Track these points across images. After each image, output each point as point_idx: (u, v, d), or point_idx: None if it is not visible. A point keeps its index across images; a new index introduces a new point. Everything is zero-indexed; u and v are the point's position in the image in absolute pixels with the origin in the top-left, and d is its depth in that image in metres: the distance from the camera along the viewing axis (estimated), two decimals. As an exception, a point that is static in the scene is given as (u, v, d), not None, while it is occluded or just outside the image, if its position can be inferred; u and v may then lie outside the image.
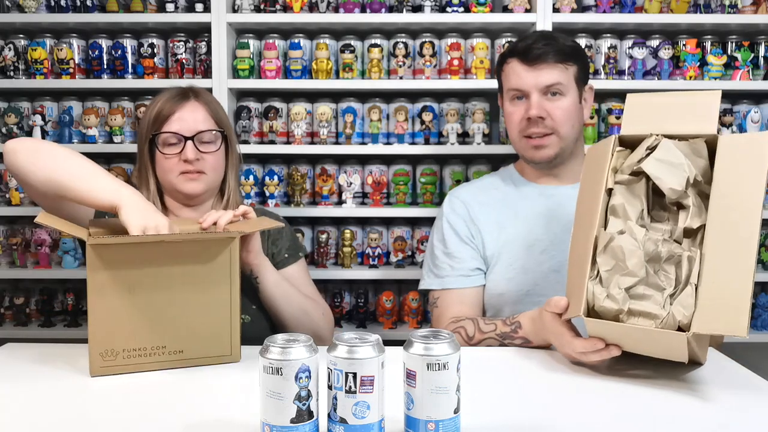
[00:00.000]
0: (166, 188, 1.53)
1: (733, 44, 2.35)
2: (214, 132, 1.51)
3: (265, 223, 1.39)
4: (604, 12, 2.28)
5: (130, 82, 2.34)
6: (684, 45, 2.32)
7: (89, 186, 1.25)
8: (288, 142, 2.38)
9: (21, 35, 2.39)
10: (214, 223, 1.32)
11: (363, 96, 2.40)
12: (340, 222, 2.43)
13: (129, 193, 1.24)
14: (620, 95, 2.38)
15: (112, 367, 1.13)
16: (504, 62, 1.61)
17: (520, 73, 1.55)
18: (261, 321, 1.50)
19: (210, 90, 2.27)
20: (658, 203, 1.14)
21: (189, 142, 1.47)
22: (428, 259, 1.67)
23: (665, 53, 2.29)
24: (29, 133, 2.35)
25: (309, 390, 0.81)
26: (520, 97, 1.57)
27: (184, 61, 2.34)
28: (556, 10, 2.26)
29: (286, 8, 2.32)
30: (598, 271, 1.08)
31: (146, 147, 1.51)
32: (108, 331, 1.12)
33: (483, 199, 1.65)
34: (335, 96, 2.42)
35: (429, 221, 2.40)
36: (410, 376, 0.82)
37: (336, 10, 2.35)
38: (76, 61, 2.34)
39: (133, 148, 2.30)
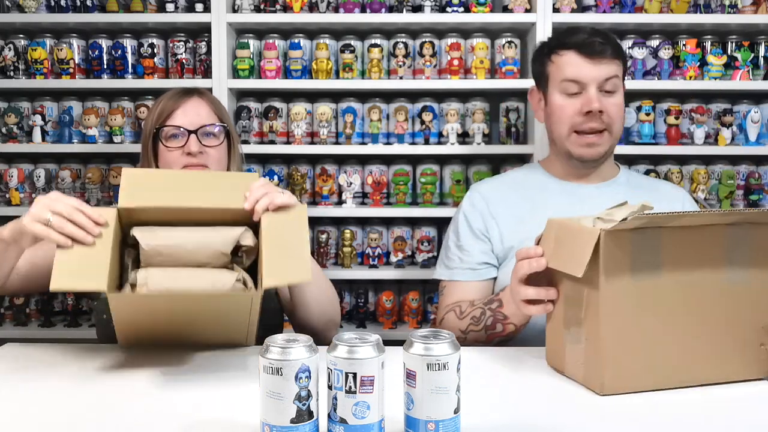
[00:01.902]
0: None
1: (733, 44, 2.35)
2: (217, 127, 1.52)
3: (290, 276, 1.20)
4: (604, 12, 2.28)
5: (130, 82, 2.34)
6: (684, 45, 2.31)
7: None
8: (288, 142, 2.38)
9: (21, 35, 2.39)
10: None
11: (363, 96, 2.40)
12: (340, 222, 2.43)
13: (12, 222, 1.22)
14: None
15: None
16: (552, 53, 1.56)
17: (580, 64, 1.51)
18: (261, 320, 1.50)
19: (210, 90, 2.27)
20: None
21: (192, 136, 1.48)
22: (443, 248, 1.66)
23: (665, 53, 2.29)
24: (29, 133, 2.35)
25: (309, 390, 0.81)
26: (574, 92, 1.52)
27: (184, 61, 2.34)
28: (556, 10, 2.26)
29: (286, 8, 2.32)
30: None
31: (150, 142, 1.52)
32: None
33: (504, 193, 1.63)
34: (335, 96, 2.42)
35: (429, 221, 2.40)
36: (410, 376, 0.82)
37: (336, 10, 2.35)
38: (76, 61, 2.34)
39: (133, 148, 2.31)
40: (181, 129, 1.49)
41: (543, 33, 2.24)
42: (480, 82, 2.31)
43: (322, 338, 1.45)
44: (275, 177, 2.34)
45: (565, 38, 1.56)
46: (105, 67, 2.35)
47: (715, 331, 1.06)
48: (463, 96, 2.42)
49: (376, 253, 2.34)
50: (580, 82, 1.51)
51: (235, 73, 2.32)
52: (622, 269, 1.02)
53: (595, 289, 1.03)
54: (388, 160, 2.42)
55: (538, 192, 1.61)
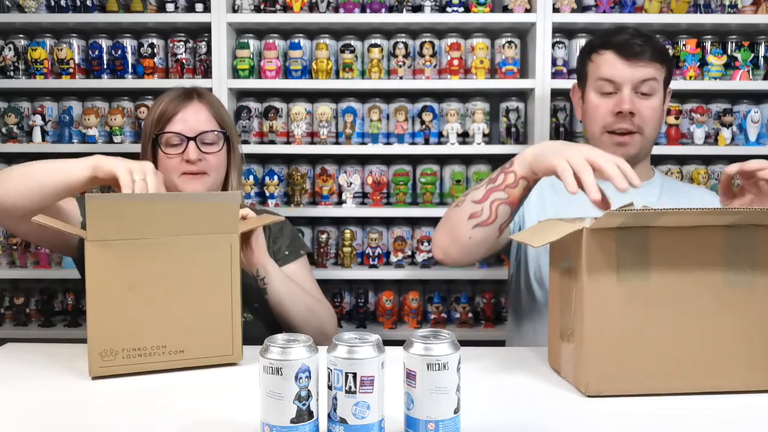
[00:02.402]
0: (167, 188, 1.53)
1: (733, 44, 2.35)
2: (216, 133, 1.52)
3: (264, 219, 1.39)
4: (604, 12, 2.28)
5: (130, 82, 2.34)
6: (684, 45, 2.32)
7: (63, 170, 1.26)
8: (288, 142, 2.38)
9: (21, 35, 2.39)
10: None
11: (363, 96, 2.40)
12: (340, 222, 2.43)
13: (99, 155, 1.25)
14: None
15: (111, 367, 1.11)
16: (593, 52, 1.56)
17: (616, 65, 1.51)
18: (262, 319, 1.50)
19: (210, 90, 2.27)
20: None
21: (191, 143, 1.48)
22: None
23: (665, 53, 2.29)
24: (29, 133, 2.35)
25: (309, 390, 0.81)
26: (609, 91, 1.53)
27: (184, 61, 2.34)
28: (556, 10, 2.26)
29: (286, 8, 2.32)
30: None
31: (149, 147, 1.52)
32: (108, 330, 1.11)
33: (541, 185, 1.49)
34: (335, 96, 2.42)
35: (429, 221, 2.40)
36: (410, 376, 0.82)
37: (336, 10, 2.35)
38: (76, 61, 2.34)
39: (133, 148, 2.31)
40: (180, 136, 1.48)
41: (543, 33, 2.24)
42: (480, 82, 2.31)
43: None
44: (275, 177, 2.34)
45: (606, 38, 1.55)
46: (105, 67, 2.35)
47: (714, 337, 1.03)
48: (463, 96, 2.42)
49: (376, 253, 2.35)
50: (614, 82, 1.51)
51: (235, 73, 2.32)
52: (606, 268, 1.01)
53: (579, 288, 1.02)
54: (388, 160, 2.42)
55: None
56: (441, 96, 2.42)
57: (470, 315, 2.41)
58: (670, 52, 2.30)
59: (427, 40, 2.34)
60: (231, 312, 1.18)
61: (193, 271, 1.15)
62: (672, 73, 1.62)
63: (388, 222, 2.44)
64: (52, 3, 2.33)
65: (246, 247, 1.38)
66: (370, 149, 2.33)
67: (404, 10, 2.32)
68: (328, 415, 0.82)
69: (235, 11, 2.32)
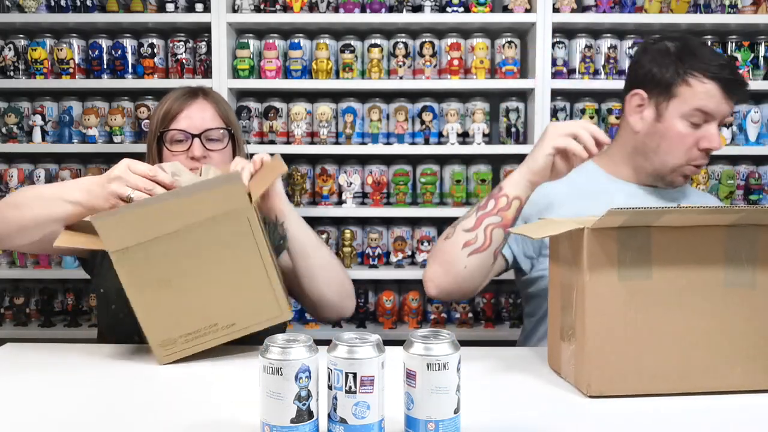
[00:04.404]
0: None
1: (733, 44, 2.35)
2: (221, 130, 1.51)
3: (276, 169, 1.28)
4: (604, 12, 2.28)
5: (130, 82, 2.34)
6: (684, 45, 2.31)
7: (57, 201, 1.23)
8: (288, 142, 2.38)
9: (21, 35, 2.39)
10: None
11: (363, 96, 2.40)
12: (340, 222, 2.43)
13: (81, 189, 1.22)
14: (620, 95, 2.37)
15: (174, 353, 1.16)
16: (692, 76, 1.43)
17: (719, 100, 1.42)
18: None
19: (210, 90, 2.28)
20: None
21: (196, 140, 1.47)
22: None
23: (665, 53, 2.29)
24: (29, 133, 2.35)
25: (309, 390, 0.81)
26: (697, 122, 1.43)
27: (184, 61, 2.34)
28: (556, 10, 2.26)
29: (286, 8, 2.32)
30: None
31: (154, 144, 1.52)
32: (160, 323, 1.15)
33: (569, 187, 1.48)
34: (335, 96, 2.42)
35: (429, 221, 2.41)
36: (410, 376, 0.82)
37: (336, 10, 2.35)
38: (76, 61, 2.34)
39: (133, 148, 2.31)
40: (185, 133, 1.48)
41: (543, 33, 2.24)
42: (480, 82, 2.31)
43: (339, 311, 1.46)
44: (275, 177, 2.34)
45: (710, 64, 1.43)
46: (105, 67, 2.36)
47: (715, 337, 1.03)
48: (463, 96, 2.42)
49: (376, 253, 2.35)
50: (712, 115, 1.43)
51: (235, 73, 2.32)
52: (607, 268, 1.01)
53: (581, 287, 1.02)
54: (388, 160, 2.42)
55: (602, 194, 1.51)
56: (441, 96, 2.42)
57: (470, 315, 2.41)
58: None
59: (427, 40, 2.34)
60: (267, 276, 1.17)
61: (219, 251, 1.15)
62: None
63: (388, 222, 2.44)
64: (52, 3, 2.33)
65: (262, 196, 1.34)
66: (370, 149, 2.33)
67: (404, 10, 2.32)
68: (328, 415, 0.82)
69: (235, 11, 2.32)
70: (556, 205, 1.47)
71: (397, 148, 2.34)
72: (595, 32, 2.36)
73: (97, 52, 2.34)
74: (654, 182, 1.53)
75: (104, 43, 2.36)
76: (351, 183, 2.32)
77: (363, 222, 2.44)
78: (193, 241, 1.14)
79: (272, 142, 2.36)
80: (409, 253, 2.39)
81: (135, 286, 1.14)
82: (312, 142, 2.38)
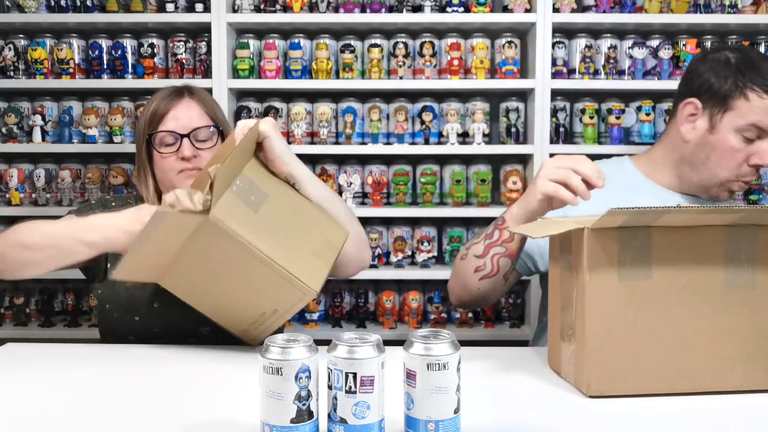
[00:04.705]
0: (165, 187, 1.51)
1: (733, 44, 2.35)
2: (210, 128, 1.49)
3: (247, 148, 1.22)
4: (604, 12, 2.28)
5: (130, 82, 2.34)
6: (684, 45, 2.32)
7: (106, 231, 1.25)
8: (288, 142, 2.37)
9: (21, 35, 2.39)
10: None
11: (363, 96, 2.40)
12: (340, 222, 2.43)
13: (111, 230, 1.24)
14: (620, 95, 2.38)
15: (258, 335, 1.23)
16: (752, 89, 1.38)
17: None
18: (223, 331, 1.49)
19: (210, 90, 2.27)
20: None
21: (185, 140, 1.46)
22: None
23: (665, 53, 2.30)
24: (29, 133, 2.35)
25: (309, 390, 0.81)
26: (750, 137, 1.40)
27: (184, 61, 2.34)
28: (556, 10, 2.26)
29: (286, 8, 2.32)
30: None
31: (144, 147, 1.51)
32: (226, 320, 1.23)
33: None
34: (335, 96, 2.42)
35: (429, 221, 2.41)
36: (410, 376, 0.82)
37: (336, 10, 2.35)
38: (76, 61, 2.34)
39: (133, 148, 2.29)
40: (173, 134, 1.46)
41: (543, 33, 2.24)
42: (480, 82, 2.31)
43: (359, 263, 1.45)
44: (275, 177, 2.34)
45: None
46: (105, 67, 2.36)
47: (715, 337, 1.03)
48: (463, 96, 2.42)
49: (376, 253, 2.34)
50: (764, 131, 1.39)
51: (235, 73, 2.32)
52: (608, 268, 1.01)
53: (581, 287, 1.02)
54: (388, 160, 2.42)
55: (634, 193, 1.49)
56: (441, 96, 2.42)
57: (470, 315, 2.41)
58: (670, 52, 2.31)
59: (427, 40, 2.34)
60: (269, 266, 1.11)
61: (217, 265, 1.15)
62: None
63: (388, 222, 2.44)
64: (52, 3, 2.33)
65: (265, 160, 1.30)
66: (370, 149, 2.33)
67: (404, 10, 2.32)
68: (328, 415, 0.82)
69: (235, 11, 2.32)
70: (583, 202, 1.47)
71: (397, 148, 2.34)
72: (595, 32, 2.36)
73: (97, 52, 2.34)
74: (697, 193, 1.49)
75: (104, 43, 2.36)
76: (351, 183, 2.32)
77: (363, 222, 2.40)
78: (192, 262, 1.15)
79: (272, 142, 2.36)
80: (409, 253, 2.39)
81: (190, 300, 1.20)
82: (312, 142, 2.38)
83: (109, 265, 1.44)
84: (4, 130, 2.36)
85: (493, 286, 1.37)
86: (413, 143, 2.37)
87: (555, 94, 2.30)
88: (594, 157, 1.34)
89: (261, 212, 1.16)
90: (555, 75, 2.29)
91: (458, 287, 1.43)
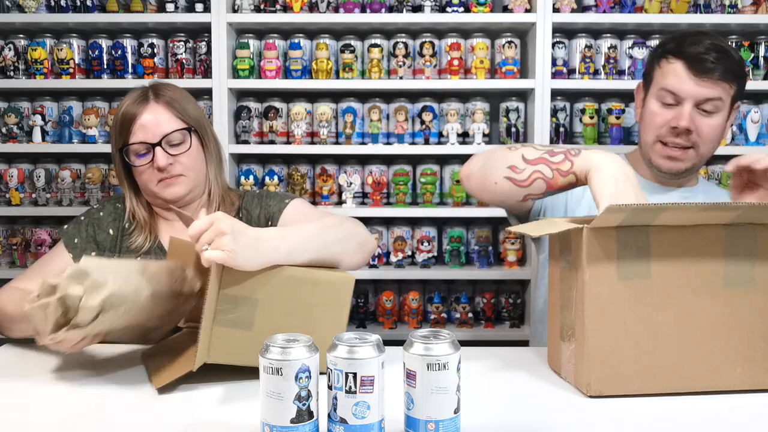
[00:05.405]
0: (149, 196, 1.47)
1: (733, 44, 2.35)
2: (181, 131, 1.42)
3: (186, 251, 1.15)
4: (604, 12, 2.28)
5: (130, 82, 2.33)
6: (684, 45, 2.31)
7: None
8: (288, 142, 2.38)
9: (21, 35, 2.39)
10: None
11: (363, 96, 2.40)
12: (340, 222, 2.43)
13: None
14: (620, 95, 2.38)
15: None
16: (664, 57, 1.47)
17: (682, 78, 1.43)
18: None
19: (210, 90, 2.28)
20: None
21: (158, 149, 1.39)
22: None
23: (665, 53, 2.29)
24: (29, 133, 2.35)
25: (309, 390, 0.81)
26: (670, 103, 1.45)
27: (184, 61, 2.34)
28: (556, 10, 2.26)
29: (286, 8, 2.32)
30: None
31: (119, 160, 1.45)
32: None
33: None
34: (335, 96, 2.42)
35: (429, 221, 2.41)
36: (410, 376, 0.82)
37: (336, 10, 2.35)
38: (76, 61, 2.34)
39: (133, 148, 2.31)
40: (144, 144, 1.40)
41: (543, 33, 2.24)
42: (480, 82, 2.31)
43: (365, 260, 1.35)
44: (275, 177, 2.34)
45: (681, 45, 1.45)
46: (105, 67, 2.36)
47: (715, 336, 1.03)
48: (463, 96, 2.42)
49: (376, 253, 2.34)
50: (677, 95, 1.44)
51: (235, 73, 2.32)
52: (607, 267, 1.01)
53: (580, 287, 1.02)
54: (388, 160, 2.42)
55: None
56: (441, 96, 2.42)
57: (470, 315, 2.41)
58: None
59: (427, 40, 2.34)
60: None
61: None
62: (744, 88, 1.52)
63: (388, 222, 2.44)
64: (52, 3, 2.33)
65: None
66: (370, 149, 2.33)
67: (404, 10, 2.32)
68: (328, 415, 0.82)
69: (235, 11, 2.32)
70: (580, 197, 1.48)
71: (397, 148, 2.34)
72: (595, 32, 2.36)
73: (97, 52, 2.34)
74: (659, 176, 1.53)
75: (104, 43, 2.36)
76: (351, 183, 2.32)
77: (363, 222, 2.43)
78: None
79: (272, 142, 2.36)
80: (409, 253, 2.39)
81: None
82: (312, 142, 2.38)
83: None
84: (4, 130, 2.36)
85: (509, 192, 1.30)
86: (413, 143, 2.37)
87: (555, 94, 2.30)
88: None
89: (256, 325, 1.08)
90: (555, 75, 2.29)
91: (479, 167, 1.36)
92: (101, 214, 1.49)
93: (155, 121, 1.41)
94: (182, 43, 2.35)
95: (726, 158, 2.34)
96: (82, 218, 1.50)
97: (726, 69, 1.42)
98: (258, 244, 1.08)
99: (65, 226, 1.50)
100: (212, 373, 1.15)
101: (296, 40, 2.34)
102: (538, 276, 1.62)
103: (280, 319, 1.08)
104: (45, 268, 1.41)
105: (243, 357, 1.06)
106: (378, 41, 2.36)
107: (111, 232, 1.47)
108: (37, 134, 2.33)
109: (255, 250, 1.07)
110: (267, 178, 2.34)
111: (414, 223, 2.43)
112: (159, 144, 1.40)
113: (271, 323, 1.06)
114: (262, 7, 2.31)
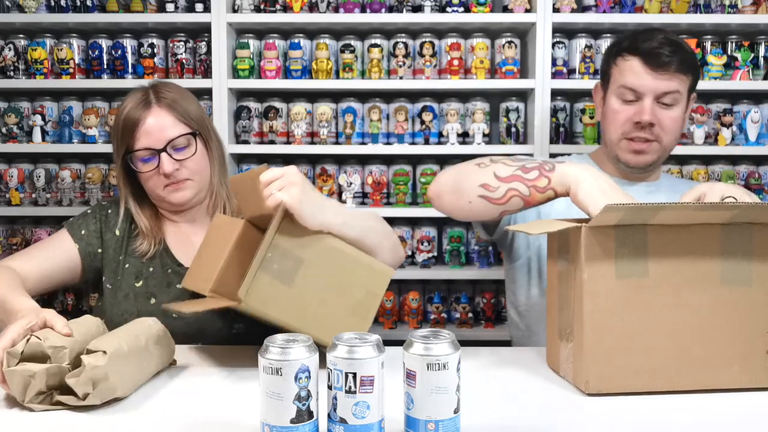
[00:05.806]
0: (155, 200, 1.47)
1: (733, 44, 2.35)
2: (186, 136, 1.41)
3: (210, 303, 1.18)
4: (604, 12, 2.28)
5: (130, 82, 2.33)
6: (684, 45, 2.31)
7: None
8: (288, 142, 2.38)
9: (21, 35, 2.39)
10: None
11: (363, 96, 2.40)
12: (340, 222, 2.43)
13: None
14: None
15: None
16: (619, 56, 1.51)
17: (640, 74, 1.47)
18: (256, 327, 1.49)
19: (210, 90, 2.28)
20: None
21: (163, 155, 1.38)
22: None
23: (665, 53, 2.29)
24: (29, 133, 2.35)
25: (309, 390, 0.81)
26: (630, 99, 1.49)
27: (184, 61, 2.34)
28: (556, 10, 2.26)
29: (286, 8, 2.32)
30: None
31: (120, 165, 1.44)
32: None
33: None
34: (335, 96, 2.42)
35: (429, 221, 2.40)
36: (410, 376, 0.82)
37: (336, 10, 2.35)
38: (76, 61, 2.34)
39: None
40: (149, 150, 1.39)
41: (543, 33, 2.24)
42: (480, 82, 2.31)
43: (396, 263, 1.36)
44: (275, 177, 2.34)
45: (634, 42, 1.49)
46: (105, 67, 2.36)
47: (712, 334, 1.03)
48: (463, 96, 2.42)
49: (376, 253, 2.34)
50: (637, 91, 1.48)
51: (235, 73, 2.32)
52: (605, 266, 1.01)
53: (578, 286, 1.03)
54: (388, 160, 2.42)
55: None
56: (441, 96, 2.42)
57: (470, 315, 2.41)
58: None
59: (427, 40, 2.34)
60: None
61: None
62: (698, 79, 1.56)
63: (388, 222, 2.42)
64: (52, 3, 2.32)
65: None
66: (370, 149, 2.33)
67: (404, 10, 2.32)
68: (328, 415, 0.82)
69: (235, 11, 2.32)
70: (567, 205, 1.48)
71: (397, 148, 2.34)
72: (595, 32, 2.36)
73: (97, 52, 2.34)
74: (625, 171, 1.56)
75: (104, 43, 2.36)
76: (351, 183, 2.32)
77: (363, 222, 2.44)
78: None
79: (272, 142, 2.36)
80: (409, 253, 2.39)
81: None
82: (312, 142, 2.38)
83: (104, 277, 1.43)
84: (4, 130, 2.36)
85: (484, 211, 1.30)
86: (413, 143, 2.37)
87: (555, 94, 2.30)
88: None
89: (296, 283, 1.12)
90: (555, 75, 2.29)
91: (450, 185, 1.37)
92: (109, 212, 1.49)
93: (159, 126, 1.40)
94: (182, 43, 2.35)
95: (727, 158, 2.37)
96: (89, 212, 1.50)
97: (681, 61, 1.47)
98: (323, 203, 1.17)
99: (70, 219, 1.50)
100: (212, 373, 1.15)
101: (296, 40, 2.34)
102: (515, 284, 1.63)
103: (317, 288, 1.14)
104: (43, 254, 1.41)
105: (275, 310, 1.11)
106: (378, 41, 2.36)
107: (117, 233, 1.46)
108: (37, 134, 2.33)
109: (319, 207, 1.14)
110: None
111: (414, 223, 2.43)
112: (164, 150, 1.39)
113: (310, 287, 1.12)
114: (262, 7, 2.31)
